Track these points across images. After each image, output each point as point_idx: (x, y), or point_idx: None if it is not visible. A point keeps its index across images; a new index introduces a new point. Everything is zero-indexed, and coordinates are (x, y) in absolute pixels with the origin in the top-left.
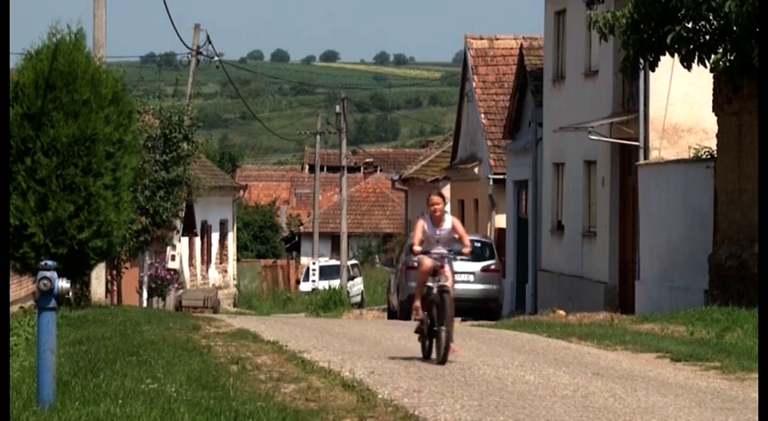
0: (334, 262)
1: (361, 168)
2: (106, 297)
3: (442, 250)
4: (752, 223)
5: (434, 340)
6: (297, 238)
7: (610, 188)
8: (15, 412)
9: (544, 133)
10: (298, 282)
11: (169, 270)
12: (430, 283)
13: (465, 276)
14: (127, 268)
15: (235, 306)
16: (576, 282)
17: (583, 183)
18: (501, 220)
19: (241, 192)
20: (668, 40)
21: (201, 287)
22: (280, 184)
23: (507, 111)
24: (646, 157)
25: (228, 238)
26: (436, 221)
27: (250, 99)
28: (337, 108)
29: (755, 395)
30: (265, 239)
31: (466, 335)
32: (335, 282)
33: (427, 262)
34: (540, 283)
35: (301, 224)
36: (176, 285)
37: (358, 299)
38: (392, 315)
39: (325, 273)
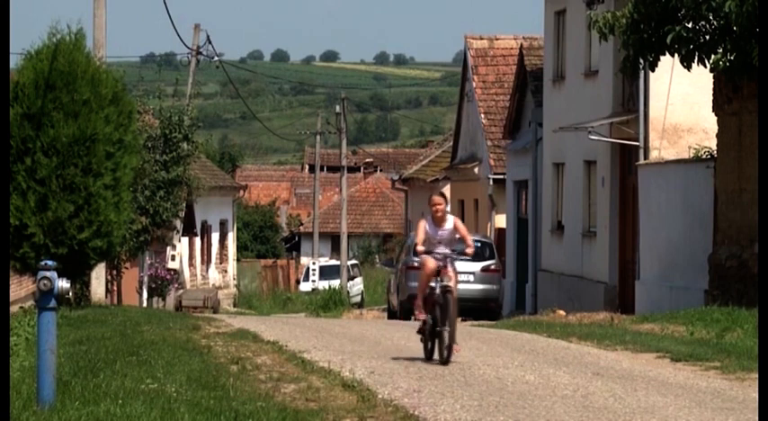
0: (334, 262)
1: (361, 168)
2: (106, 297)
3: (445, 250)
4: (752, 223)
5: (437, 341)
6: (297, 238)
7: (610, 188)
8: (15, 412)
9: (544, 133)
10: (298, 282)
11: (169, 270)
12: (432, 283)
13: (465, 276)
14: (127, 268)
15: (235, 306)
16: (576, 282)
17: (583, 183)
18: (501, 220)
19: (241, 192)
20: (668, 40)
21: (201, 287)
22: (280, 184)
23: (507, 111)
24: (646, 157)
25: (228, 238)
26: (438, 222)
27: (250, 99)
28: (337, 108)
29: (755, 395)
30: (265, 239)
31: (466, 335)
32: (335, 282)
33: (431, 262)
34: (540, 283)
35: (301, 224)
36: (176, 285)
37: (358, 299)
38: (392, 315)
39: (325, 273)
